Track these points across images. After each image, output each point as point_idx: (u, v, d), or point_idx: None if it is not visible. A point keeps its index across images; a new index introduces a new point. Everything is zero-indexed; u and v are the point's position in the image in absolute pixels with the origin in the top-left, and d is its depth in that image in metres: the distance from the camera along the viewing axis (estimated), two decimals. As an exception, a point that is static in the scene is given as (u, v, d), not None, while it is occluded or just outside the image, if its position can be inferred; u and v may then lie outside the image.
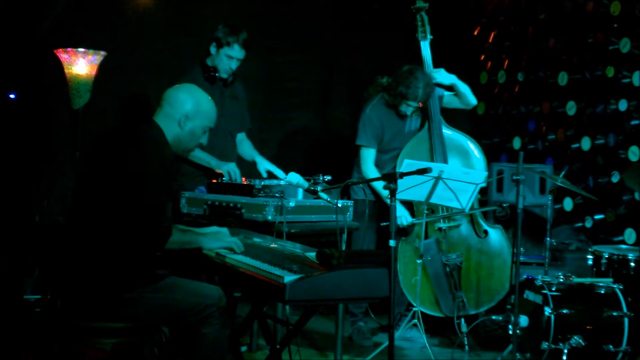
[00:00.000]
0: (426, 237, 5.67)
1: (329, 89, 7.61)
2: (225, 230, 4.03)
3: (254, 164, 5.61)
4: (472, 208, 5.54)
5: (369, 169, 5.79)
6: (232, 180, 5.13)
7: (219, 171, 5.25)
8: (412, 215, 5.78)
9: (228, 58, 5.40)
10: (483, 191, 6.07)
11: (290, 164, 5.76)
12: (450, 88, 5.95)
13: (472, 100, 5.95)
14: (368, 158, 5.81)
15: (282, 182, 4.86)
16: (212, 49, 5.41)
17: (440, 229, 5.76)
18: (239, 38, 5.37)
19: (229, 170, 5.22)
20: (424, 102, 5.72)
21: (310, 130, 7.50)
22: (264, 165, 5.53)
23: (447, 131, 5.90)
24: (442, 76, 5.84)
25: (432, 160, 5.76)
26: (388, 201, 5.65)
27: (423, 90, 5.61)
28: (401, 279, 5.70)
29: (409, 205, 5.79)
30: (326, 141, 7.30)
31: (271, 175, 5.42)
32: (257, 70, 6.75)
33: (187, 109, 3.77)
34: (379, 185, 5.71)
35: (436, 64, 5.93)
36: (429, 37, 5.90)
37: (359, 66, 7.39)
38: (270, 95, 7.29)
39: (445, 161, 5.78)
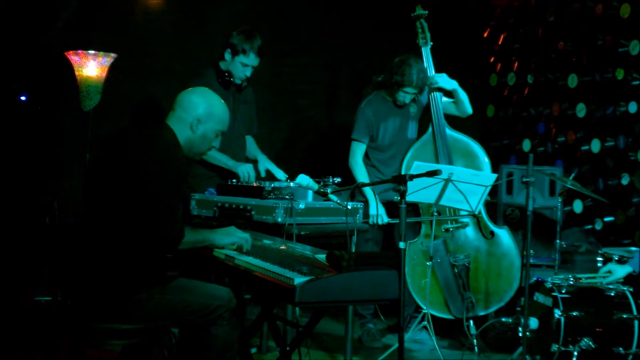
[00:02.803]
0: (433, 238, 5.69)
1: (338, 91, 7.61)
2: (233, 227, 4.03)
3: (255, 162, 5.62)
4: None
5: (357, 163, 5.86)
6: (246, 182, 5.14)
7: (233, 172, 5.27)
8: (419, 216, 5.79)
9: (243, 66, 5.40)
10: (492, 193, 6.07)
11: (300, 166, 5.78)
12: (450, 95, 5.96)
13: (469, 109, 5.97)
14: (357, 151, 5.87)
15: (292, 184, 4.86)
16: (227, 55, 5.41)
17: (447, 229, 5.77)
18: (254, 45, 5.36)
19: (244, 170, 5.23)
20: (420, 88, 5.76)
21: (319, 132, 7.52)
22: (264, 164, 5.55)
23: (451, 133, 5.91)
24: (444, 81, 5.85)
25: (437, 162, 5.77)
26: (373, 202, 5.75)
27: (417, 75, 5.67)
28: (409, 281, 5.70)
29: (414, 206, 5.80)
30: (336, 143, 7.28)
31: (270, 175, 5.43)
32: (267, 73, 6.76)
33: (199, 113, 3.77)
34: (367, 188, 5.76)
35: (446, 66, 5.95)
36: (430, 43, 5.93)
37: (368, 68, 7.37)
38: (280, 97, 7.30)
39: (450, 163, 5.78)
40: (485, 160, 5.89)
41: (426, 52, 5.93)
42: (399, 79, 5.69)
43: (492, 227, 5.87)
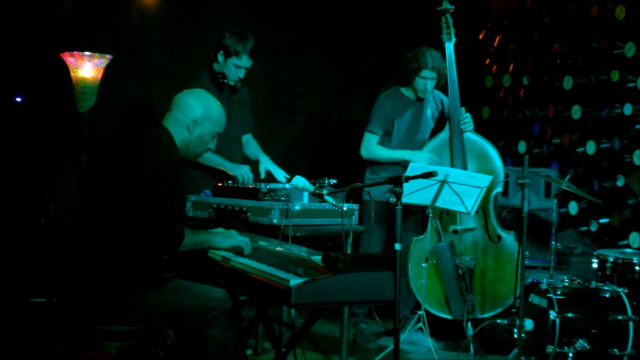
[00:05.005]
0: (440, 240, 5.69)
1: (334, 92, 7.61)
2: (233, 230, 4.03)
3: (257, 162, 5.61)
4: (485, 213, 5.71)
5: (375, 147, 5.87)
6: (244, 184, 5.13)
7: (229, 174, 5.26)
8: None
9: (236, 67, 5.40)
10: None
11: (295, 168, 5.77)
12: None
13: None
14: (371, 140, 5.89)
15: (287, 186, 4.86)
16: (220, 57, 5.41)
17: (455, 231, 5.76)
18: (246, 47, 5.36)
19: (242, 173, 5.22)
20: (437, 71, 5.76)
21: (314, 133, 7.51)
22: (265, 164, 5.54)
23: (468, 134, 5.90)
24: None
25: (451, 163, 5.76)
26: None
27: (431, 57, 5.72)
28: (412, 278, 5.69)
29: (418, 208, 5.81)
30: (331, 144, 7.30)
31: (269, 176, 5.43)
32: (262, 74, 6.76)
33: (196, 114, 3.79)
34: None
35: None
36: (454, 39, 5.91)
37: (363, 69, 7.39)
38: (275, 99, 7.30)
39: (464, 164, 5.77)
40: (498, 164, 5.88)
41: (449, 48, 5.89)
42: (414, 65, 5.73)
43: (499, 231, 5.86)
